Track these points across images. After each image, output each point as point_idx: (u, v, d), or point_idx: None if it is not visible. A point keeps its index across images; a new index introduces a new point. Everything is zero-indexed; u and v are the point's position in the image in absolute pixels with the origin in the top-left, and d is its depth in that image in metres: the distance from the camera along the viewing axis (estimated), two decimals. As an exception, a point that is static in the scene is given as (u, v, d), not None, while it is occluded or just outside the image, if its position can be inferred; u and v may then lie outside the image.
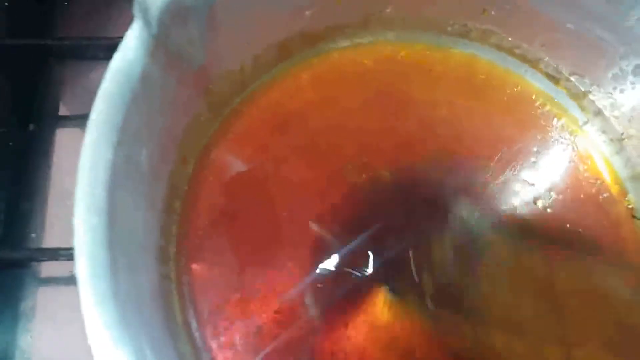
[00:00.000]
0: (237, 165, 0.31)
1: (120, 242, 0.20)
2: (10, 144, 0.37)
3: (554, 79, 0.33)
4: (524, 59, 0.33)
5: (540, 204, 0.31)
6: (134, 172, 0.22)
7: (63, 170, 0.39)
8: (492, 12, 0.31)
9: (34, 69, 0.39)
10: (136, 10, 0.20)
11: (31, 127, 0.39)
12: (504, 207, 0.31)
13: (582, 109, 0.33)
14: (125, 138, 0.20)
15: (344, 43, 0.33)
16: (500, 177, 0.31)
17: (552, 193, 0.31)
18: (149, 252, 0.25)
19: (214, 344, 0.28)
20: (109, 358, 0.17)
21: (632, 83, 0.30)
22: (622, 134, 0.32)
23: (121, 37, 0.35)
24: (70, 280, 0.35)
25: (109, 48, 0.36)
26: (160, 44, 0.21)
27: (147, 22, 0.20)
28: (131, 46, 0.20)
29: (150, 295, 0.24)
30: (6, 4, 0.38)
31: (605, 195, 0.32)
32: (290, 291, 0.28)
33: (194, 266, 0.29)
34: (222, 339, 0.28)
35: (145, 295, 0.23)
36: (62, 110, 0.40)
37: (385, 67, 0.33)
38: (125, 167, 0.20)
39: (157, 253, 0.26)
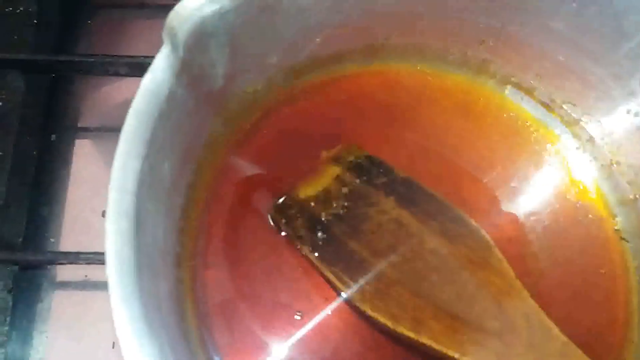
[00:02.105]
0: (249, 179, 0.33)
1: (145, 245, 0.22)
2: (34, 152, 0.39)
3: (548, 107, 0.35)
4: (519, 87, 0.35)
5: (530, 223, 0.33)
6: (157, 183, 0.24)
7: (80, 179, 0.40)
8: (490, 43, 0.33)
9: (58, 83, 0.42)
10: (165, 35, 0.22)
11: (53, 137, 0.41)
12: (493, 224, 0.32)
13: (574, 135, 0.35)
14: (152, 151, 0.22)
15: (351, 67, 0.36)
16: (493, 195, 0.33)
17: (542, 213, 0.33)
18: (167, 257, 0.26)
19: (223, 348, 0.29)
20: (135, 349, 0.19)
21: (622, 112, 0.32)
22: (611, 160, 0.34)
23: (141, 56, 0.38)
24: (85, 284, 0.37)
25: (129, 65, 0.39)
26: (185, 66, 0.23)
27: (174, 46, 0.22)
28: (160, 67, 0.22)
29: (168, 297, 0.26)
30: (35, 21, 0.41)
31: (593, 217, 0.33)
32: (299, 299, 0.30)
33: (207, 272, 0.30)
34: (232, 343, 0.29)
35: (163, 296, 0.24)
36: (82, 123, 0.42)
37: (389, 90, 0.36)
38: (150, 177, 0.22)
39: (174, 258, 0.28)
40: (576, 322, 0.30)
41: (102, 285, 0.36)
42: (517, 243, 0.32)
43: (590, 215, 0.33)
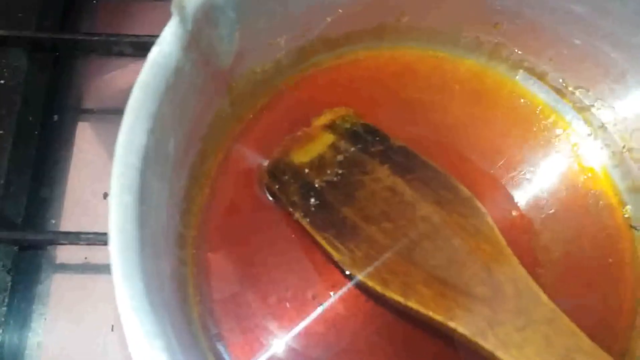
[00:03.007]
0: (254, 162, 0.32)
1: (148, 223, 0.21)
2: (36, 132, 0.38)
3: (560, 92, 0.35)
4: (532, 72, 0.35)
5: (539, 211, 0.32)
6: (162, 159, 0.23)
7: (82, 161, 0.40)
8: (504, 26, 0.33)
9: (61, 63, 0.41)
10: (174, 7, 0.22)
11: (55, 117, 0.40)
12: (501, 212, 0.32)
13: (586, 121, 0.34)
14: (158, 126, 0.21)
15: (361, 50, 0.35)
16: (502, 182, 0.33)
17: (551, 201, 0.32)
18: (170, 237, 0.26)
19: (226, 331, 0.29)
20: (136, 326, 0.19)
21: (636, 98, 0.32)
22: (623, 146, 0.33)
23: (146, 35, 0.37)
24: (85, 267, 0.37)
25: (133, 45, 0.39)
26: (194, 40, 0.23)
27: (182, 19, 0.22)
28: (168, 40, 0.22)
29: (170, 278, 0.25)
30: (37, -2, 0.40)
31: (603, 205, 0.33)
32: (304, 283, 0.30)
33: (210, 255, 0.30)
34: (235, 326, 0.29)
35: (165, 276, 0.24)
36: (85, 104, 0.42)
37: (399, 73, 0.35)
38: (155, 153, 0.22)
39: (176, 238, 0.27)
40: (583, 310, 0.30)
41: (103, 268, 0.37)
42: (526, 231, 0.32)
43: (600, 203, 0.33)
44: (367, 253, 0.28)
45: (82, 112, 0.41)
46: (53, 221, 0.38)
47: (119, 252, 0.19)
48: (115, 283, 0.19)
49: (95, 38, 0.38)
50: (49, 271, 0.37)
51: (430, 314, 0.25)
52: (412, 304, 0.26)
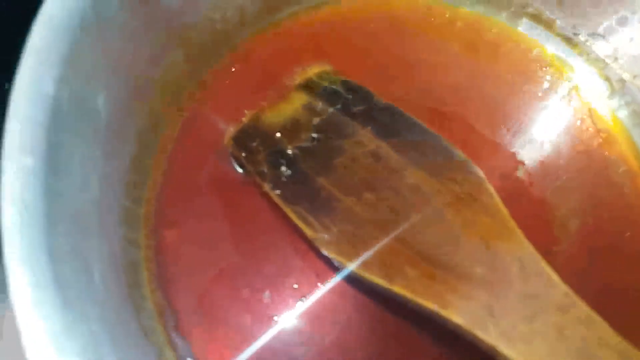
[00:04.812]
0: (219, 127, 0.28)
1: (64, 192, 0.17)
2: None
3: (571, 42, 0.30)
4: (537, 19, 0.31)
5: (547, 179, 0.28)
6: (86, 117, 0.19)
7: None
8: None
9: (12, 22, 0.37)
10: None
11: (6, 85, 0.36)
12: (506, 178, 0.28)
13: (602, 75, 0.30)
14: (73, 74, 0.17)
15: (343, -3, 0.31)
16: (505, 145, 0.28)
17: (563, 167, 0.28)
18: (110, 212, 0.22)
19: (186, 318, 0.25)
20: (39, 325, 0.15)
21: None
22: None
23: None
24: None
25: None
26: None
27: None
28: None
29: (109, 258, 0.21)
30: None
31: (623, 171, 0.28)
32: (270, 266, 0.26)
33: (167, 233, 0.26)
34: (197, 312, 0.25)
35: (98, 256, 0.20)
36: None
37: (384, 25, 0.31)
38: (73, 108, 0.18)
39: (120, 214, 0.23)
40: (606, 294, 0.25)
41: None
42: (535, 203, 0.27)
43: (621, 170, 0.28)
44: (344, 229, 0.24)
45: None
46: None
47: (15, 229, 0.15)
48: (7, 268, 0.15)
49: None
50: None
51: (419, 300, 0.21)
52: (397, 289, 0.21)
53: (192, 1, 0.23)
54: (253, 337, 0.24)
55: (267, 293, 0.25)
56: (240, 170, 0.27)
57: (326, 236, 0.24)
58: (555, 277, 0.21)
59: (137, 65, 0.22)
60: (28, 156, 0.16)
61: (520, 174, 0.28)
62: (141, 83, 0.23)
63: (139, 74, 0.23)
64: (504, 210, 0.23)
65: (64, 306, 0.15)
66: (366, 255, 0.23)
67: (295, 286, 0.25)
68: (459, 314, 0.20)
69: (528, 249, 0.22)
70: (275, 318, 0.25)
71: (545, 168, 0.28)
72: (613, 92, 0.30)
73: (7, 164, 0.15)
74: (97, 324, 0.17)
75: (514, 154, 0.28)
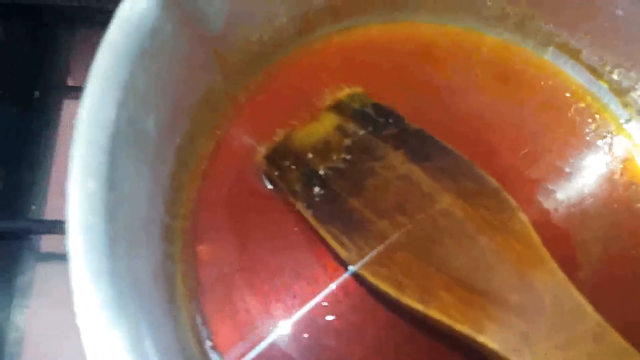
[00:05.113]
0: (252, 145, 0.29)
1: (121, 213, 0.18)
2: (14, 110, 0.35)
3: (596, 72, 0.31)
4: (563, 48, 0.31)
5: (571, 205, 0.28)
6: (139, 138, 0.20)
7: (67, 143, 0.37)
8: (535, -5, 0.29)
9: (42, 33, 0.37)
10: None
11: (36, 94, 0.37)
12: (532, 204, 0.28)
13: (625, 105, 0.31)
14: (131, 98, 0.18)
15: (372, 23, 0.31)
16: (529, 173, 0.29)
17: (586, 194, 0.29)
18: (152, 229, 0.23)
19: (217, 329, 0.26)
20: (101, 340, 0.15)
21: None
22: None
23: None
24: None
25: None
26: (175, -2, 0.19)
27: (162, -28, 0.18)
28: (142, -5, 0.18)
29: (151, 276, 0.22)
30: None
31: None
32: (300, 282, 0.26)
33: (201, 247, 0.27)
34: (226, 323, 0.26)
35: (145, 274, 0.21)
36: (71, 80, 0.38)
37: (414, 50, 0.31)
38: (129, 130, 0.18)
39: (161, 230, 0.24)
40: (623, 315, 0.26)
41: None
42: (559, 229, 0.28)
43: (637, 199, 0.29)
44: (379, 251, 0.24)
45: (68, 90, 0.38)
46: (34, 207, 0.35)
47: (81, 253, 0.16)
48: (74, 291, 0.15)
49: (77, 4, 0.34)
50: (31, 261, 0.34)
51: (455, 325, 0.22)
52: (433, 313, 0.22)
53: (233, 26, 0.24)
54: (285, 355, 0.25)
55: (296, 309, 0.26)
56: (271, 187, 0.28)
57: (360, 257, 0.25)
58: (588, 306, 0.21)
59: (181, 86, 0.23)
60: (91, 180, 0.16)
61: (543, 199, 0.29)
62: (182, 103, 0.24)
63: (182, 94, 0.24)
64: (537, 239, 0.24)
65: (128, 325, 0.16)
66: (401, 277, 0.23)
67: (325, 304, 0.26)
68: (495, 340, 0.21)
69: (561, 278, 0.22)
70: (305, 335, 0.26)
71: (569, 194, 0.29)
72: (637, 122, 0.30)
73: (73, 188, 0.16)
74: (150, 342, 0.18)
75: (537, 180, 0.29)
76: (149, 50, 0.18)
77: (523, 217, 0.24)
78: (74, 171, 0.16)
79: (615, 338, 0.21)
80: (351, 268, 0.26)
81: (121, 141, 0.18)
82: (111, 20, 0.17)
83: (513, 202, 0.25)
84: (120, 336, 0.16)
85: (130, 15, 0.18)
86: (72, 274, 0.15)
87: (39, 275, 0.34)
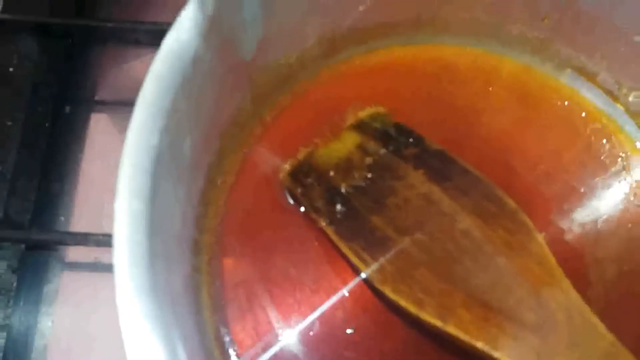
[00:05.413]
0: (276, 163, 0.30)
1: (160, 231, 0.19)
2: (46, 124, 0.36)
3: (612, 95, 0.32)
4: (580, 71, 0.32)
5: (586, 225, 0.29)
6: (176, 160, 0.21)
7: (95, 155, 0.38)
8: (553, 19, 0.30)
9: (74, 51, 0.39)
10: (192, -10, 0.19)
11: (67, 109, 0.38)
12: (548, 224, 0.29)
13: (641, 128, 0.31)
14: (172, 124, 0.19)
15: (395, 45, 0.32)
16: (545, 193, 0.30)
17: (601, 215, 0.30)
18: (184, 244, 0.24)
19: (240, 338, 0.26)
20: (143, 350, 0.16)
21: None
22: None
23: (164, 22, 0.34)
24: (95, 266, 0.35)
25: (151, 33, 0.36)
26: (214, 26, 0.20)
27: (202, 2, 0.19)
28: (185, 27, 0.19)
29: (182, 289, 0.23)
30: (50, -18, 0.38)
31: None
32: (321, 297, 0.27)
33: (226, 260, 0.28)
34: (250, 335, 0.27)
35: (177, 287, 0.22)
36: (99, 95, 0.40)
37: (435, 71, 0.32)
38: (169, 153, 0.19)
39: (190, 245, 0.25)
40: (636, 334, 0.26)
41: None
42: (574, 249, 0.29)
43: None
44: (399, 268, 0.25)
45: (96, 104, 0.39)
46: (62, 218, 0.36)
47: (127, 268, 0.17)
48: (119, 305, 0.16)
49: (111, 25, 0.35)
50: (58, 270, 0.35)
51: (472, 341, 0.23)
52: (452, 330, 0.23)
53: (264, 50, 0.25)
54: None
55: (317, 322, 0.27)
56: (293, 203, 0.29)
57: (381, 274, 0.25)
58: (601, 326, 0.22)
59: (214, 108, 0.24)
60: (136, 200, 0.17)
61: (558, 218, 0.29)
62: (214, 124, 0.25)
63: (214, 116, 0.25)
64: (552, 260, 0.24)
65: (164, 335, 0.17)
66: (420, 295, 0.24)
67: (345, 317, 0.27)
68: (510, 356, 0.22)
69: (575, 298, 0.23)
70: (325, 347, 0.26)
71: (584, 214, 0.29)
72: (651, 144, 0.31)
73: (120, 207, 0.17)
74: (181, 351, 0.19)
75: (552, 199, 0.30)
76: (190, 77, 0.19)
77: (540, 238, 0.25)
78: (121, 192, 0.17)
79: (628, 358, 0.21)
80: (371, 284, 0.26)
81: (162, 163, 0.19)
82: (157, 52, 0.18)
83: (530, 223, 0.26)
84: (159, 346, 0.17)
85: (174, 46, 0.19)
86: (117, 288, 0.16)
87: (64, 284, 0.35)
